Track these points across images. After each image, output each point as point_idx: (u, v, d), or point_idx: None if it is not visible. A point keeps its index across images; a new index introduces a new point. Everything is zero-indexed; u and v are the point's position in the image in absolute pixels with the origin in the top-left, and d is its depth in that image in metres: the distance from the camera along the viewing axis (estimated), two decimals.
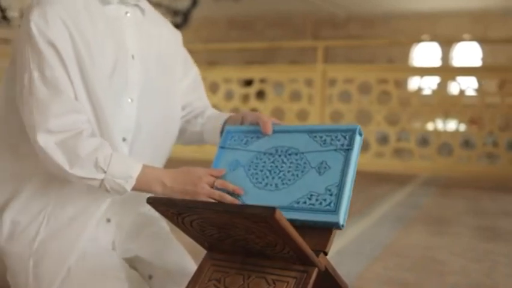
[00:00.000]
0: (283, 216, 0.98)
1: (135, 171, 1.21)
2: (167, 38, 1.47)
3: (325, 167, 1.17)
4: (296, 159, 1.21)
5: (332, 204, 1.12)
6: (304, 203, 1.15)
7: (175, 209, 1.08)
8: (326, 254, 1.12)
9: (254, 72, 7.44)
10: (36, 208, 1.31)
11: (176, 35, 1.52)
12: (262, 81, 7.19)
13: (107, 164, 1.19)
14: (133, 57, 1.33)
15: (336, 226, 1.11)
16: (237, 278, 1.13)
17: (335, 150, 1.18)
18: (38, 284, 1.28)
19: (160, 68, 1.41)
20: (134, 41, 1.35)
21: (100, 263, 1.32)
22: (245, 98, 7.26)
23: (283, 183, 1.20)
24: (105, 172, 1.19)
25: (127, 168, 1.21)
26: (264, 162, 1.25)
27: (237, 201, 1.22)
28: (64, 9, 1.23)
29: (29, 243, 1.29)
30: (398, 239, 3.23)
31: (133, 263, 1.46)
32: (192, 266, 1.45)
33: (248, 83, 7.46)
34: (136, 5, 1.37)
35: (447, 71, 7.14)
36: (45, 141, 1.18)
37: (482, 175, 6.01)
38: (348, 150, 1.17)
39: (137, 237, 1.46)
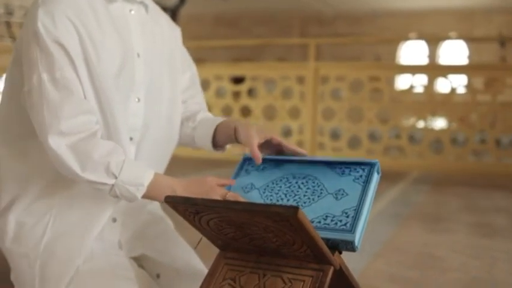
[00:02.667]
0: (305, 215, 0.96)
1: (147, 179, 1.19)
2: (168, 33, 1.46)
3: (342, 194, 1.16)
4: (313, 186, 1.20)
5: (348, 225, 1.09)
6: (319, 222, 1.13)
7: (193, 208, 1.06)
8: (340, 252, 1.11)
9: (245, 70, 7.41)
10: (42, 209, 1.29)
11: (175, 31, 1.51)
12: (254, 78, 7.16)
13: (119, 169, 1.17)
14: (138, 55, 1.31)
15: (351, 246, 1.08)
16: (252, 277, 1.12)
17: (353, 180, 1.17)
18: (45, 285, 1.25)
19: (163, 65, 1.40)
20: (139, 39, 1.33)
21: (109, 263, 1.30)
22: (236, 95, 7.23)
23: (298, 205, 1.17)
24: (116, 178, 1.17)
25: (139, 175, 1.18)
26: (280, 186, 1.23)
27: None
28: (69, 7, 1.21)
29: (35, 244, 1.27)
30: (396, 236, 3.23)
31: (140, 261, 1.44)
32: (198, 264, 1.43)
33: (237, 80, 7.42)
34: (141, 2, 1.35)
35: (436, 69, 7.16)
36: (57, 143, 1.15)
37: (473, 172, 6.04)
38: (367, 181, 1.16)
39: (143, 235, 1.44)
